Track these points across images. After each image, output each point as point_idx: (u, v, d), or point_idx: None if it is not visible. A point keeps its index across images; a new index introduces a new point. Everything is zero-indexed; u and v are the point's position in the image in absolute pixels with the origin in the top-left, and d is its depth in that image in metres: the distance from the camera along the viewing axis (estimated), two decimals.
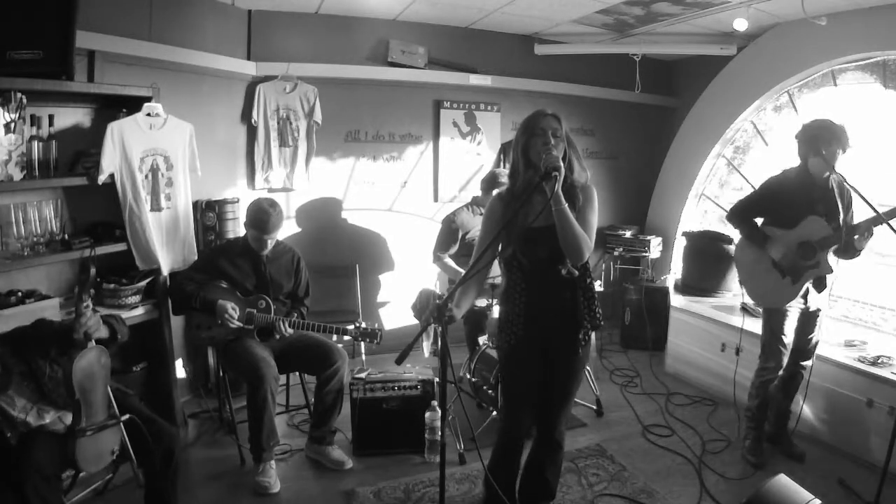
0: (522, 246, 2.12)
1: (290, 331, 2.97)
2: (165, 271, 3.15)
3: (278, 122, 4.13)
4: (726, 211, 4.82)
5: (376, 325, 3.05)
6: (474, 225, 3.67)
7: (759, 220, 2.96)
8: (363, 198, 4.53)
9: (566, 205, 2.01)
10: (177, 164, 3.15)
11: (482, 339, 3.49)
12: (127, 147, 2.89)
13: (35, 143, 2.66)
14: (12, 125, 2.52)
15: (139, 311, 3.06)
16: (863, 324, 3.80)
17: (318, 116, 4.19)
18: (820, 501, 2.02)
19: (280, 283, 3.10)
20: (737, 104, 4.60)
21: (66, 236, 2.78)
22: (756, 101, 4.47)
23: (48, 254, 2.69)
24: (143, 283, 3.09)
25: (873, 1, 3.52)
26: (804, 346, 2.95)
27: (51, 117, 2.74)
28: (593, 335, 2.35)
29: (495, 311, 3.25)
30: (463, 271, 2.97)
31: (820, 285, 2.85)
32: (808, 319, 2.90)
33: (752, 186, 4.52)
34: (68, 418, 2.00)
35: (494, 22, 4.45)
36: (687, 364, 4.16)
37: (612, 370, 4.32)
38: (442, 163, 4.70)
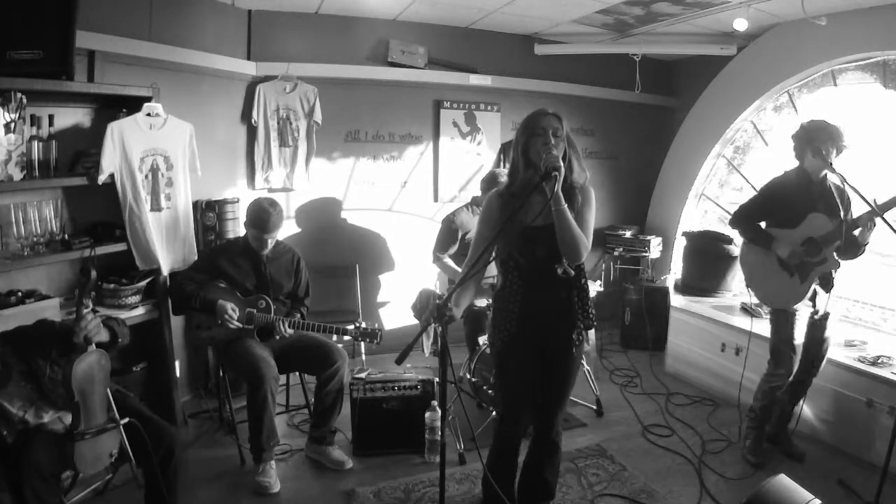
0: (520, 245, 2.12)
1: (291, 331, 2.97)
2: (165, 271, 3.15)
3: (278, 122, 4.13)
4: (727, 211, 4.87)
5: (376, 325, 3.05)
6: (474, 225, 3.67)
7: (762, 224, 2.97)
8: (363, 198, 4.53)
9: (566, 205, 2.01)
10: (177, 164, 3.15)
11: (482, 339, 3.48)
12: (127, 147, 2.89)
13: (35, 143, 2.66)
14: (12, 125, 2.52)
15: (139, 311, 3.06)
16: (863, 324, 3.80)
17: (318, 116, 4.19)
18: (820, 501, 2.02)
19: (280, 283, 3.10)
20: (737, 104, 4.60)
21: (66, 236, 2.78)
22: (756, 101, 4.47)
23: (48, 254, 2.69)
24: (143, 283, 3.09)
25: (873, 1, 3.52)
26: (816, 353, 2.94)
27: (51, 117, 2.74)
28: (592, 335, 2.35)
29: None
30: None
31: (827, 284, 2.85)
32: (818, 326, 2.90)
33: (752, 186, 4.53)
34: (68, 418, 2.00)
35: (494, 22, 4.45)
36: (687, 364, 4.16)
37: (612, 370, 4.32)
38: (442, 163, 4.70)
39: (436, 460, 2.79)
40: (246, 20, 4.05)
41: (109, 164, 2.83)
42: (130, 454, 2.03)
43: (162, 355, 3.22)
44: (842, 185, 2.75)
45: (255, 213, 2.95)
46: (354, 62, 4.32)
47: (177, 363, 3.36)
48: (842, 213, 2.75)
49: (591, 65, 5.06)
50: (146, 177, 3.01)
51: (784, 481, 2.09)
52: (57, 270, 2.92)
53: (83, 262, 2.77)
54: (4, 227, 2.61)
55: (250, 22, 4.07)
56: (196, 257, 3.30)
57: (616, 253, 5.08)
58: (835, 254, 2.75)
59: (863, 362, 3.08)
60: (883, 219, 2.41)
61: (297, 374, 3.30)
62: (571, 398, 3.68)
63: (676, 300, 4.39)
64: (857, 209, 2.79)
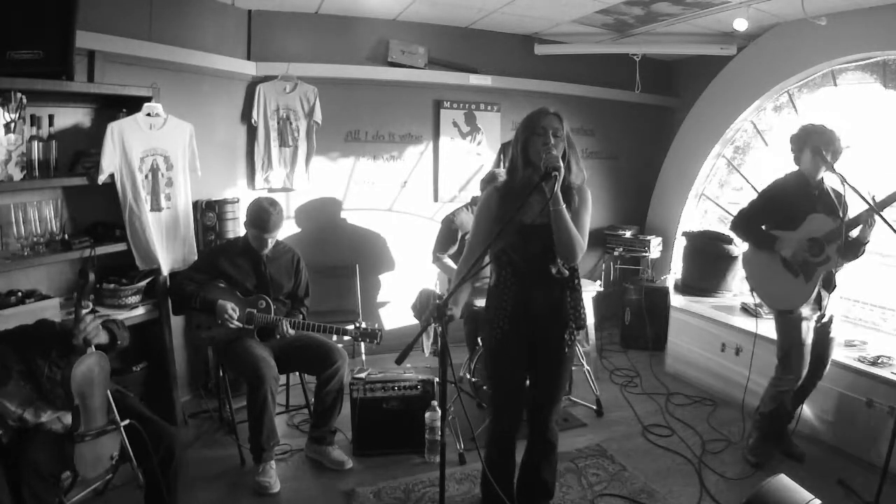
0: (515, 242, 2.12)
1: (292, 331, 2.97)
2: (165, 271, 3.15)
3: (278, 122, 4.13)
4: (727, 211, 4.87)
5: (376, 325, 3.05)
6: None
7: (763, 228, 2.97)
8: (363, 198, 4.53)
9: (564, 205, 2.01)
10: (177, 164, 3.15)
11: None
12: (127, 147, 2.89)
13: (35, 143, 2.66)
14: (12, 125, 2.52)
15: (139, 311, 3.06)
16: (863, 324, 3.80)
17: (318, 116, 4.19)
18: (820, 501, 2.02)
19: (280, 282, 3.10)
20: (737, 104, 4.60)
21: (66, 236, 2.78)
22: (756, 101, 4.46)
23: (48, 254, 2.69)
24: (143, 283, 3.09)
25: (873, 1, 3.52)
26: (824, 355, 2.93)
27: (51, 117, 2.74)
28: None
29: None
30: None
31: (829, 285, 2.86)
32: (824, 330, 2.90)
33: (753, 186, 4.53)
34: (67, 418, 2.00)
35: (494, 22, 4.45)
36: (687, 364, 4.16)
37: (612, 370, 4.32)
38: (442, 163, 4.70)
39: (436, 460, 2.79)
40: (246, 20, 4.05)
41: (109, 164, 2.83)
42: (131, 454, 2.02)
43: (162, 355, 3.22)
44: (840, 188, 2.76)
45: (255, 212, 2.95)
46: (354, 62, 4.32)
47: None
48: (841, 213, 2.77)
49: (591, 65, 5.06)
50: (146, 177, 3.01)
51: (784, 481, 2.09)
52: (57, 270, 2.92)
53: (83, 262, 2.77)
54: (4, 227, 2.61)
55: (250, 22, 4.06)
56: (196, 257, 3.29)
57: (616, 253, 5.08)
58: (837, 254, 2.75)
59: (863, 362, 3.08)
60: (880, 215, 2.43)
61: (297, 374, 3.30)
62: (572, 398, 3.71)
63: (676, 300, 4.39)
64: (856, 210, 2.80)
